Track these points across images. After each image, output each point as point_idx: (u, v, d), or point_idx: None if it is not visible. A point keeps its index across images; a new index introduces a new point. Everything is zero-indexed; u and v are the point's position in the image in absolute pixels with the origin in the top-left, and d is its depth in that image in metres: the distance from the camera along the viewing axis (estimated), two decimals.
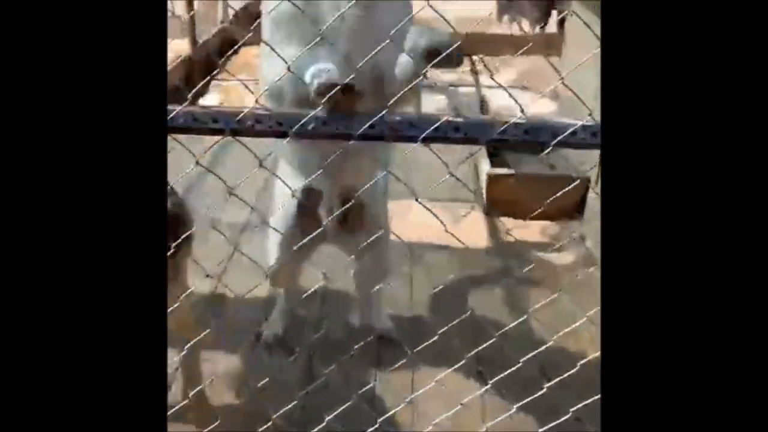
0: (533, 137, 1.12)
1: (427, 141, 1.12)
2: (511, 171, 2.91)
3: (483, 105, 4.50)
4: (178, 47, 4.45)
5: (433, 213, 1.27)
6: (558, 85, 1.14)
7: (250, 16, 5.67)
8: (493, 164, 3.35)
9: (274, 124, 1.10)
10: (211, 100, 4.26)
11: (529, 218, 2.80)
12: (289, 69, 1.08)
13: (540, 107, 3.86)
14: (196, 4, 4.95)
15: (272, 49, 1.16)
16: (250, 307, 2.28)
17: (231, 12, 5.73)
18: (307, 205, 1.82)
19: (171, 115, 1.08)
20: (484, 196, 2.93)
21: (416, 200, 1.27)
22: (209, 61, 4.74)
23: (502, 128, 1.10)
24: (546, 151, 1.09)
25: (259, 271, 1.52)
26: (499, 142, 1.11)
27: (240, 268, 2.42)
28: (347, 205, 1.72)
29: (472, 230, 2.80)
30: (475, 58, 5.18)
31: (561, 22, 6.00)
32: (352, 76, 1.08)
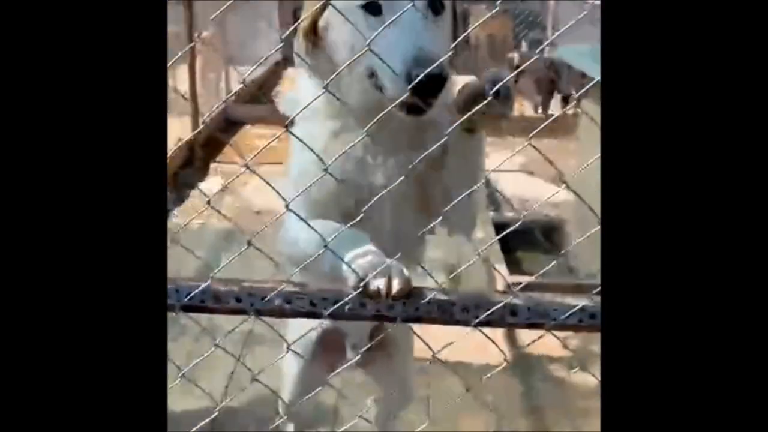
0: (598, 322, 1.00)
1: (481, 326, 0.98)
2: (531, 278, 2.77)
3: (492, 191, 4.40)
4: (180, 124, 4.35)
5: None
6: (564, 172, 1.03)
7: (251, 93, 5.63)
8: (508, 263, 3.21)
9: (307, 305, 0.96)
10: (212, 183, 4.14)
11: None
12: (326, 245, 0.94)
13: (546, 191, 3.77)
14: (198, 79, 4.88)
15: (298, 215, 0.99)
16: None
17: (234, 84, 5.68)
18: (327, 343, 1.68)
19: (191, 294, 0.94)
20: None
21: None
22: (211, 140, 4.65)
23: (569, 312, 0.98)
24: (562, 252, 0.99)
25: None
26: (568, 326, 0.99)
27: (244, 383, 2.24)
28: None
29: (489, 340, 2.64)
30: None
31: (564, 104, 6.01)
32: (407, 274, 0.93)
